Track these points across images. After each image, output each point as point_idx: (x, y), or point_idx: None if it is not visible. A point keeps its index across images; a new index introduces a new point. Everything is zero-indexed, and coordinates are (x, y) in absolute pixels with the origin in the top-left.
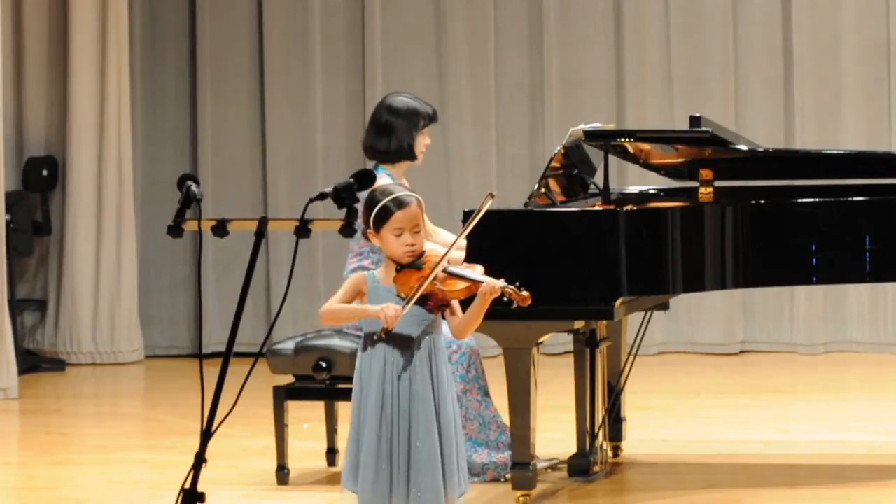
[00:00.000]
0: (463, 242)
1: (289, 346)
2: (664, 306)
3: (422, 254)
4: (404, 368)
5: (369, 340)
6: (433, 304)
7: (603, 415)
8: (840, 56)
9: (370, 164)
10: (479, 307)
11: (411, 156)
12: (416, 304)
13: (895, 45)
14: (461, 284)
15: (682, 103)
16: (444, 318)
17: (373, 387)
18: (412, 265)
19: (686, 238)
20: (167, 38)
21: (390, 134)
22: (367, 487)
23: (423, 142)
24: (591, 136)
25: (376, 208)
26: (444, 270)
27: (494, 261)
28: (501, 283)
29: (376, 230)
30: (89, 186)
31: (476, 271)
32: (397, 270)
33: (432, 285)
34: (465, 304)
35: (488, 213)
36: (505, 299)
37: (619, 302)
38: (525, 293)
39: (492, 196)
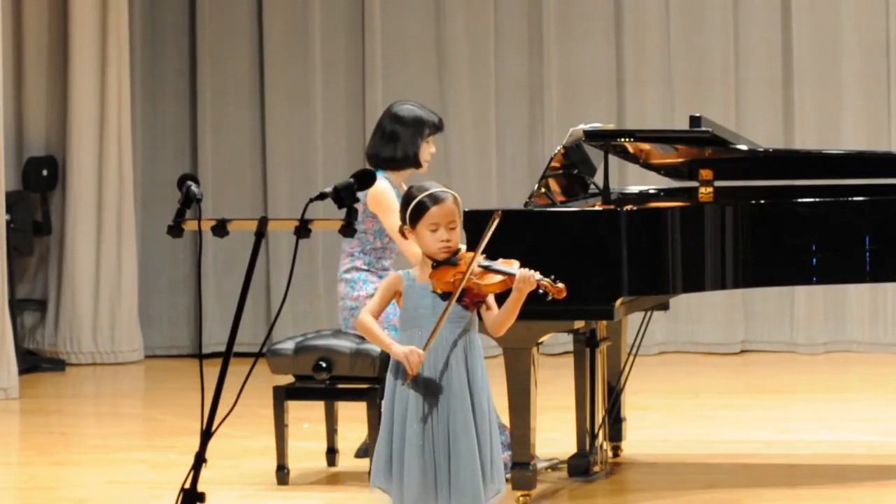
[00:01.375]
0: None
1: (289, 346)
2: (664, 306)
3: (458, 250)
4: (440, 366)
5: (404, 336)
6: (470, 300)
7: (603, 415)
8: (840, 56)
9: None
10: (516, 301)
11: (416, 164)
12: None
13: (895, 45)
14: (497, 278)
15: (682, 103)
16: (479, 316)
17: (409, 386)
18: (448, 261)
19: (686, 238)
20: (167, 38)
21: (395, 142)
22: (413, 485)
23: (427, 150)
24: (591, 136)
25: (412, 204)
26: (480, 265)
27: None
28: (537, 275)
29: (412, 226)
30: (89, 186)
31: (512, 266)
32: (433, 267)
33: (468, 280)
34: (500, 299)
35: (488, 213)
36: (540, 291)
37: (619, 302)
38: (560, 285)
39: (498, 216)
